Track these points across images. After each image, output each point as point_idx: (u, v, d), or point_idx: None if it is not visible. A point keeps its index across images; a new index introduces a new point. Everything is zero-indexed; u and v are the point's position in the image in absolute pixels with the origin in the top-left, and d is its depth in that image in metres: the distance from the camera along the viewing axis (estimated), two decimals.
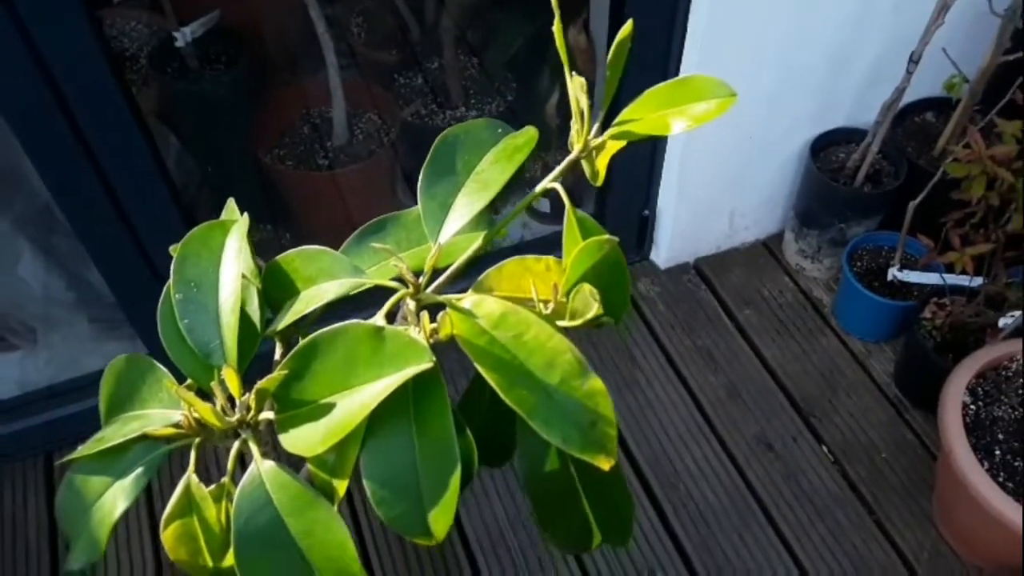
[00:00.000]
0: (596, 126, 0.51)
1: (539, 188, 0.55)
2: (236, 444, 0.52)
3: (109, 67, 0.97)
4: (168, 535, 0.52)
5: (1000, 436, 1.15)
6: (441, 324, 0.51)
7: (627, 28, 0.50)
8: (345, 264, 0.55)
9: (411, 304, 0.54)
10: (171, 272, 0.56)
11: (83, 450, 0.54)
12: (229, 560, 0.53)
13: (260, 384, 0.51)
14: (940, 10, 1.20)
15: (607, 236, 0.52)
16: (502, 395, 0.47)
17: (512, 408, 0.56)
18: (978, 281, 1.27)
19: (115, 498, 0.52)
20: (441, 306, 0.53)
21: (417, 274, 0.55)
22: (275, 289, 0.58)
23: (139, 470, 0.53)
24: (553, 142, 1.62)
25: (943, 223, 1.24)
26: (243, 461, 0.54)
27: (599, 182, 0.56)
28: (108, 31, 1.61)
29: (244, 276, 0.55)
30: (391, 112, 1.60)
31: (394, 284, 0.55)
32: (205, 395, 0.54)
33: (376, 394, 0.48)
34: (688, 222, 1.53)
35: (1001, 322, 1.26)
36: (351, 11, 1.74)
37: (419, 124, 1.63)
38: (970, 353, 1.22)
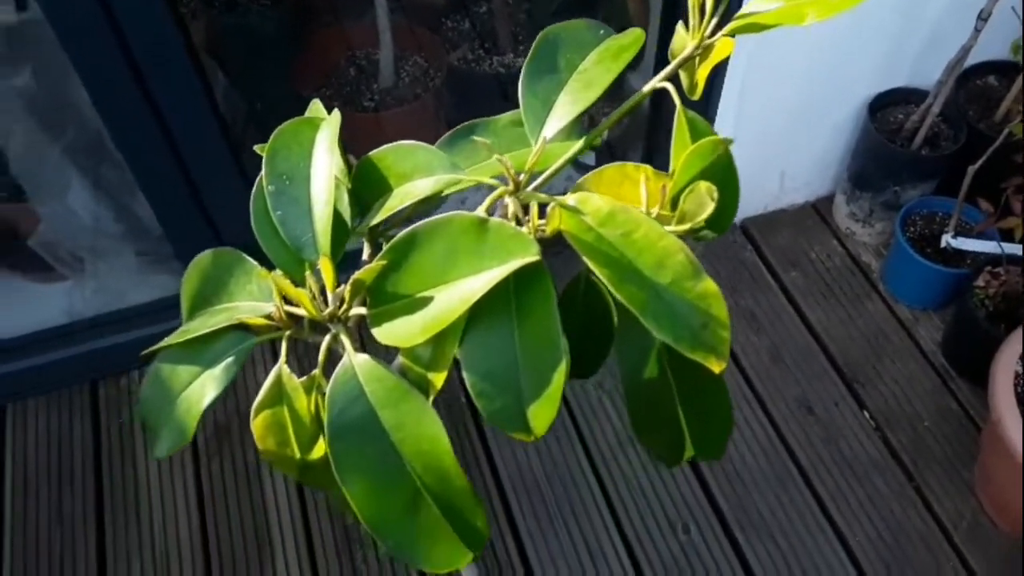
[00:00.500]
0: (715, 21, 0.49)
1: (647, 87, 0.53)
2: (327, 337, 0.51)
3: None
4: (258, 423, 0.51)
5: None
6: (549, 218, 0.49)
7: None
8: (443, 159, 0.53)
9: (511, 203, 0.52)
10: (263, 165, 0.54)
11: (170, 339, 0.53)
12: (316, 452, 0.52)
13: (357, 274, 0.49)
14: None
15: (721, 136, 0.50)
16: (612, 289, 0.45)
17: (610, 314, 0.55)
18: None
19: (203, 386, 0.52)
20: (538, 208, 0.52)
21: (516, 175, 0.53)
22: (365, 188, 0.56)
23: (229, 359, 0.52)
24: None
25: (1003, 188, 1.22)
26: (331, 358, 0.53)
27: (697, 95, 0.54)
28: None
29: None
30: (438, 56, 1.58)
31: (493, 182, 0.53)
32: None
33: (480, 287, 0.46)
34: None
35: None
36: None
37: (466, 69, 1.60)
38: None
